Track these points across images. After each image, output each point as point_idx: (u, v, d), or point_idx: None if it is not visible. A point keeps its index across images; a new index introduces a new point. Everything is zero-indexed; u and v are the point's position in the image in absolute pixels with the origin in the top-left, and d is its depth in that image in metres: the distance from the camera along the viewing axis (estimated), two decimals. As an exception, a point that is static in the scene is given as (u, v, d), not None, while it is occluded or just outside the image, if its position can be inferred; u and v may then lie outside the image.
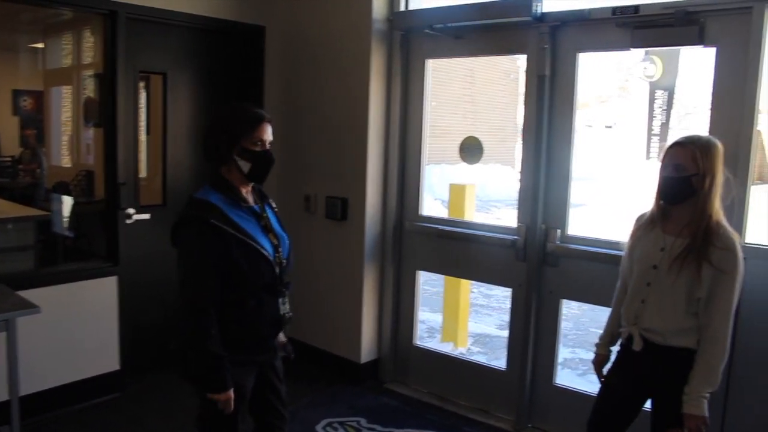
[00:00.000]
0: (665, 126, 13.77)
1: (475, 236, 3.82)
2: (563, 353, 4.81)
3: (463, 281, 5.02)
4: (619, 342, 2.57)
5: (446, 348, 4.70)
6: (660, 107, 13.48)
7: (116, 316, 3.81)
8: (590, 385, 4.42)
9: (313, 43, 4.27)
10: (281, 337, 2.48)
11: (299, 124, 4.35)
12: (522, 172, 3.60)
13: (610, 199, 12.70)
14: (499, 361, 4.41)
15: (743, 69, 2.87)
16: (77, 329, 3.67)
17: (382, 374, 4.26)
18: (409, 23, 3.92)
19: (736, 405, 2.95)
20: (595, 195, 12.51)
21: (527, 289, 3.58)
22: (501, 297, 7.01)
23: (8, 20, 4.98)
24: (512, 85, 15.51)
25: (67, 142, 5.64)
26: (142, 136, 4.16)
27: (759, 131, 2.86)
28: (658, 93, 13.38)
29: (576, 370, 4.73)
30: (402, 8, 3.99)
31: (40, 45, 5.63)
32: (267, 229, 2.33)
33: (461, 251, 3.89)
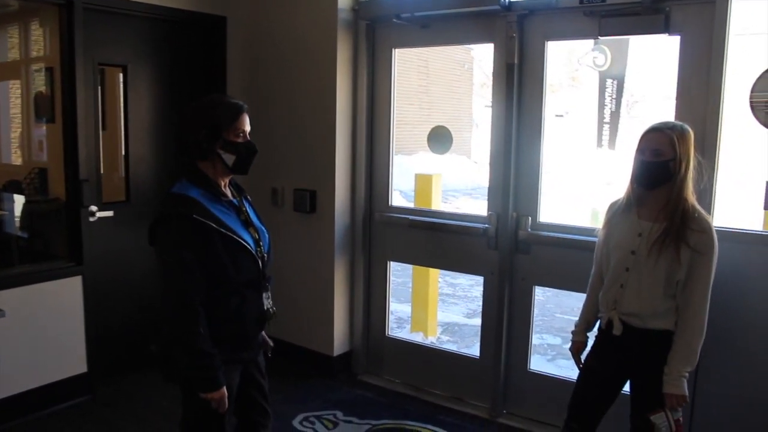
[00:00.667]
0: (615, 114, 14.09)
1: (446, 225, 3.83)
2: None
3: (432, 271, 5.04)
4: (596, 327, 2.61)
5: (416, 338, 4.72)
6: (610, 96, 13.78)
7: (82, 317, 3.69)
8: (560, 369, 4.52)
9: (276, 33, 4.20)
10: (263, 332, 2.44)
11: (264, 117, 4.28)
12: (492, 161, 3.62)
13: (563, 187, 12.95)
14: (470, 349, 4.46)
15: (707, 57, 2.95)
16: (41, 332, 3.54)
17: (356, 366, 4.24)
18: (375, 12, 3.90)
19: (706, 385, 3.04)
20: (551, 184, 12.72)
21: (499, 276, 3.62)
22: (466, 286, 7.08)
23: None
24: (467, 75, 15.63)
25: (17, 139, 5.43)
26: (91, 131, 4.02)
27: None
28: (608, 82, 13.67)
29: (545, 356, 4.81)
30: (367, -3, 3.96)
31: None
32: (247, 224, 2.30)
33: (432, 241, 3.90)
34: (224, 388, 2.13)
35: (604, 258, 2.54)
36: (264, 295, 2.31)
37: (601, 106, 12.97)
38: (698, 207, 2.36)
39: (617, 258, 2.44)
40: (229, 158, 2.20)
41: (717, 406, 3.03)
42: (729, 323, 2.94)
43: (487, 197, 3.68)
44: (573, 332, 2.69)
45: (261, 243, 2.31)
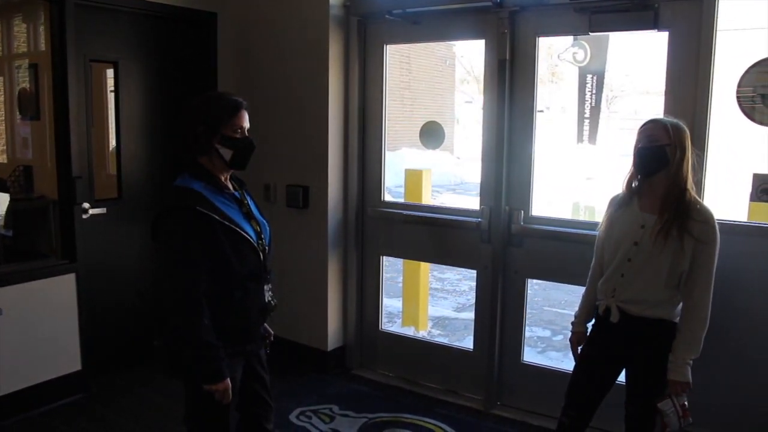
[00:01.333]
0: (596, 109, 14.19)
1: (439, 220, 3.87)
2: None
3: (423, 265, 5.08)
4: (594, 316, 2.67)
5: (408, 332, 4.76)
6: (590, 91, 13.86)
7: (75, 314, 3.67)
8: (551, 361, 4.60)
9: (267, 29, 4.20)
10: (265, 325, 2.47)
11: (256, 113, 4.18)
12: (484, 155, 3.67)
13: (545, 182, 13.05)
14: (462, 342, 4.51)
15: (695, 53, 3.01)
16: (35, 330, 3.52)
17: (349, 361, 4.27)
18: (366, 9, 3.92)
19: (694, 375, 3.12)
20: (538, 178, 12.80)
21: (493, 270, 3.66)
22: (454, 280, 7.14)
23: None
24: (449, 71, 15.68)
25: (0, 136, 5.36)
26: (83, 128, 4.00)
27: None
28: (588, 77, 13.75)
29: (535, 348, 4.88)
30: (359, -7, 3.98)
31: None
32: (249, 216, 2.32)
33: (425, 235, 3.94)
34: (228, 380, 2.15)
35: (605, 251, 2.59)
36: (266, 287, 2.34)
37: (582, 101, 13.09)
38: (699, 199, 2.45)
39: (619, 249, 2.49)
40: (227, 153, 2.22)
41: (706, 395, 3.11)
42: (717, 313, 3.01)
43: (479, 191, 3.72)
44: (573, 323, 2.75)
45: (262, 235, 2.34)
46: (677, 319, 2.44)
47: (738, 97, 3.00)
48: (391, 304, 5.89)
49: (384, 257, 4.22)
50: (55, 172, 3.70)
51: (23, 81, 4.53)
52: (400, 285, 5.53)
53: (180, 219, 2.12)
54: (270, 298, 2.37)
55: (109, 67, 4.02)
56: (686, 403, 2.40)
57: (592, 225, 3.44)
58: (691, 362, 2.38)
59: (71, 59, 3.57)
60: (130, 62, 4.00)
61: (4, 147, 5.32)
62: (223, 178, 2.28)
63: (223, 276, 2.17)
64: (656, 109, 3.12)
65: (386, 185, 4.18)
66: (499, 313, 3.68)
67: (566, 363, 4.27)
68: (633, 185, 2.51)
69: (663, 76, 3.15)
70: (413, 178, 5.04)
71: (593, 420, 2.64)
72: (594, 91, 12.99)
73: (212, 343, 2.10)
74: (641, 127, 2.45)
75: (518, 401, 3.71)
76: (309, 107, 4.05)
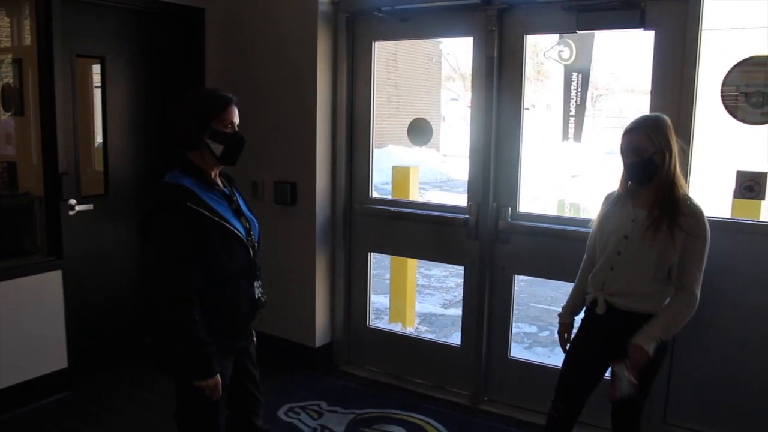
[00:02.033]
0: (581, 107, 14.26)
1: (427, 216, 3.89)
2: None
3: (411, 262, 5.09)
4: (583, 310, 2.70)
5: (395, 328, 4.78)
6: (575, 89, 13.94)
7: (62, 311, 3.64)
8: (537, 357, 4.64)
9: (255, 25, 4.19)
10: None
11: (244, 109, 4.20)
12: (472, 152, 3.68)
13: (531, 179, 13.14)
14: (450, 338, 4.53)
15: (681, 51, 3.05)
16: (20, 328, 3.49)
17: (337, 357, 4.28)
18: (354, 6, 3.92)
19: (679, 367, 3.16)
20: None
21: (480, 266, 3.69)
22: (441, 277, 7.16)
23: None
24: (435, 69, 15.70)
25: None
26: (70, 124, 3.97)
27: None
28: (573, 75, 13.83)
29: (522, 344, 4.92)
30: (347, -9, 3.98)
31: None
32: (238, 213, 2.32)
33: (413, 232, 3.95)
34: (218, 376, 2.15)
35: (597, 245, 2.62)
36: (255, 283, 2.35)
37: (567, 99, 13.16)
38: (690, 195, 2.48)
39: (610, 243, 2.52)
40: (217, 148, 2.23)
41: (689, 387, 3.17)
42: (701, 307, 3.06)
43: (467, 188, 3.74)
44: (560, 314, 2.78)
45: (252, 232, 2.34)
46: None
47: (722, 96, 3.05)
48: (378, 300, 5.91)
49: (372, 254, 4.24)
50: (40, 168, 3.66)
51: (6, 76, 4.48)
52: (388, 282, 5.54)
53: (170, 215, 2.12)
54: (260, 295, 2.38)
55: (96, 63, 3.99)
56: (636, 382, 2.38)
57: (578, 221, 3.50)
58: (657, 339, 2.38)
59: (57, 54, 3.53)
60: (116, 58, 3.97)
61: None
62: (212, 174, 2.28)
63: (214, 272, 2.18)
64: (641, 108, 3.15)
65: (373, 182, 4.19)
66: (487, 309, 3.71)
67: (553, 358, 4.32)
68: (628, 184, 2.54)
69: (648, 74, 3.19)
70: (401, 175, 5.05)
71: (582, 414, 2.66)
72: (579, 89, 13.08)
73: (203, 339, 2.10)
74: (623, 135, 2.47)
75: (505, 396, 3.74)
76: (297, 104, 4.05)
